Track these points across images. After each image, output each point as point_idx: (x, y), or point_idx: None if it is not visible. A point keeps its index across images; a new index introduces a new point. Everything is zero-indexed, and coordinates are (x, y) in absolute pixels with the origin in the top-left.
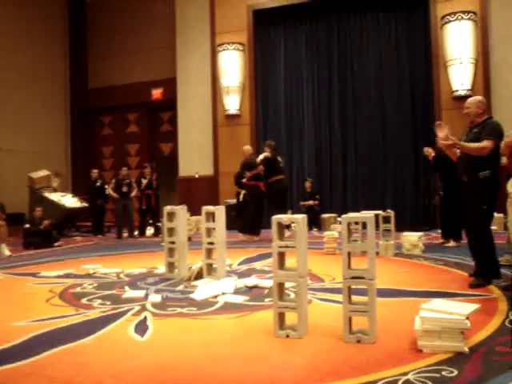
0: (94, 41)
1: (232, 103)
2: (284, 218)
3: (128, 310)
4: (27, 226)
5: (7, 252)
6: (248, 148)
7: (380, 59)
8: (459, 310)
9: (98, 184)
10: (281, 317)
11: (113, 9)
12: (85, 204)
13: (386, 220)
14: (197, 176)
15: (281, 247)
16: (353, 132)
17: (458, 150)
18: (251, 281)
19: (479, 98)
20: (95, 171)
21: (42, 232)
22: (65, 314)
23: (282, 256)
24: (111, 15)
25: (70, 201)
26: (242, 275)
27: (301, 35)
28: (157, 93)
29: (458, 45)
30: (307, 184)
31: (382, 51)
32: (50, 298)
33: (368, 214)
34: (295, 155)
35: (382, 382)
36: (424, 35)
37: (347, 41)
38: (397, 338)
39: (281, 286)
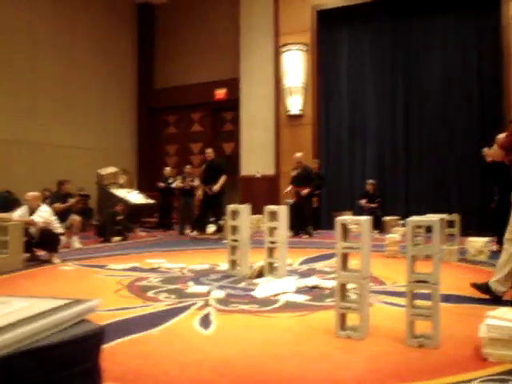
0: (161, 42)
1: (294, 103)
2: (348, 219)
3: (192, 305)
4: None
5: (77, 244)
6: (298, 156)
7: (446, 59)
8: None
9: (170, 181)
10: (342, 317)
11: (179, 11)
12: (150, 201)
13: (451, 224)
14: (258, 175)
15: (344, 248)
16: (417, 133)
17: None
18: (312, 281)
19: None
20: (168, 169)
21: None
22: (133, 306)
23: (345, 257)
24: (177, 17)
25: (135, 197)
26: (302, 275)
27: (365, 35)
28: (220, 93)
29: None
30: (369, 186)
31: (449, 51)
32: (118, 290)
33: (434, 218)
34: (357, 156)
35: None
36: (494, 35)
37: (412, 41)
38: (460, 344)
39: (343, 286)
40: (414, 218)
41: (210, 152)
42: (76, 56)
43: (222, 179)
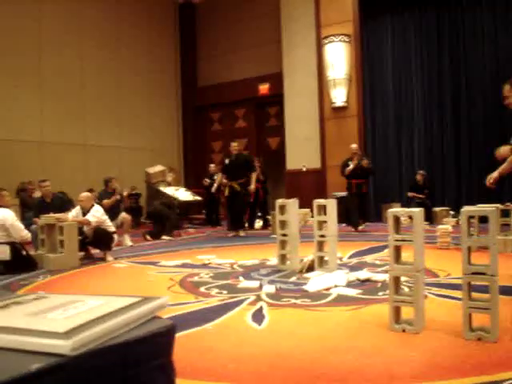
0: (203, 40)
1: (339, 95)
2: (400, 211)
3: (244, 300)
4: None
5: (129, 242)
6: (354, 147)
7: (495, 46)
8: None
9: (216, 178)
10: (396, 311)
11: (219, 8)
12: (197, 197)
13: (505, 214)
14: (304, 169)
15: (397, 240)
16: (466, 121)
17: None
18: (363, 274)
19: None
20: (213, 166)
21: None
22: (186, 301)
23: (398, 249)
24: (218, 15)
25: (183, 194)
26: (353, 268)
27: (409, 23)
28: (264, 88)
29: None
30: (418, 176)
31: (498, 38)
32: (171, 286)
33: (489, 208)
34: (404, 146)
35: (508, 383)
36: None
37: (459, 28)
38: None
39: (397, 279)
40: (469, 208)
41: (236, 145)
42: (121, 59)
43: (254, 176)
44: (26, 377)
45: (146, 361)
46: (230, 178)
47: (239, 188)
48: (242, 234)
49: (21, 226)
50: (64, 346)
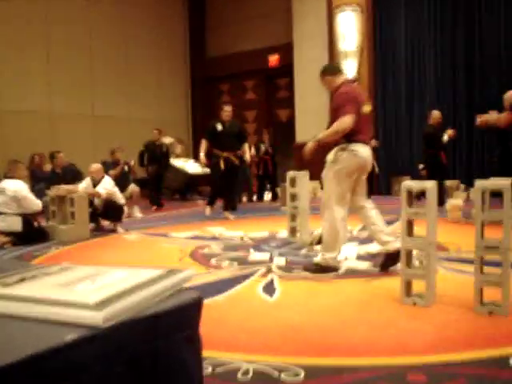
0: (212, 10)
1: (350, 67)
2: (413, 184)
3: (255, 272)
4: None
5: (138, 214)
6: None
7: (510, 20)
8: None
9: None
10: (408, 284)
11: None
12: (206, 170)
13: None
14: None
15: (410, 214)
16: (479, 95)
17: None
18: (374, 247)
19: None
20: None
21: None
22: (197, 273)
23: (410, 223)
24: None
25: (192, 166)
26: (363, 242)
27: None
28: (273, 59)
29: None
30: None
31: None
32: (182, 258)
33: (504, 182)
34: (416, 119)
35: None
36: None
37: (474, 0)
38: None
39: (409, 253)
40: (483, 182)
41: (229, 111)
42: (129, 29)
43: (247, 147)
44: (62, 348)
45: (174, 333)
46: (221, 147)
47: (237, 161)
48: (231, 217)
49: (33, 198)
50: (96, 318)
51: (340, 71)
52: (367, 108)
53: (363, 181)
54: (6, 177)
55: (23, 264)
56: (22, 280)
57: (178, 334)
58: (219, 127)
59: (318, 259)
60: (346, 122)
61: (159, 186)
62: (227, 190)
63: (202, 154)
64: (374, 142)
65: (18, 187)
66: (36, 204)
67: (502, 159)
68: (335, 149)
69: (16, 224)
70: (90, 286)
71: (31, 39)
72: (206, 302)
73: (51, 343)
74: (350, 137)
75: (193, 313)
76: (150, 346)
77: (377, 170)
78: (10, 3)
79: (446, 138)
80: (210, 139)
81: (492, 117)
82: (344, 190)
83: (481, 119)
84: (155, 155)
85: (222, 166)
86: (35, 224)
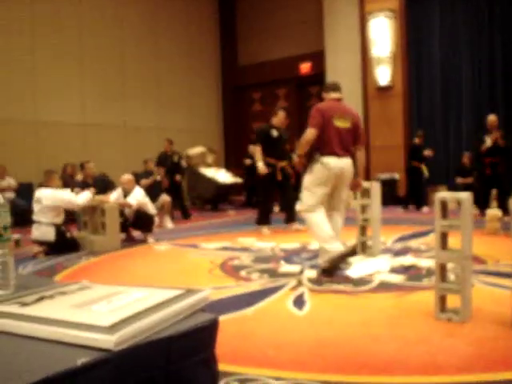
0: (243, 18)
1: (383, 74)
2: (447, 195)
3: (285, 284)
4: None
5: (170, 224)
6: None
7: None
8: None
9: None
10: (442, 299)
11: None
12: (237, 179)
13: None
14: None
15: (444, 227)
16: None
17: None
18: (408, 260)
19: None
20: (252, 146)
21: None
22: (226, 285)
23: (444, 236)
24: None
25: (223, 176)
26: (397, 254)
27: None
28: (305, 67)
29: None
30: (465, 159)
31: None
32: (212, 269)
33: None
34: (452, 128)
35: None
36: None
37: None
38: None
39: (443, 266)
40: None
41: (283, 116)
42: (160, 39)
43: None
44: (73, 372)
45: (189, 356)
46: (276, 156)
47: (292, 171)
48: (301, 227)
49: (68, 195)
50: (108, 341)
51: (331, 89)
52: (340, 123)
53: (340, 197)
54: (42, 186)
55: (42, 281)
56: (41, 299)
57: (193, 357)
58: (274, 133)
59: (320, 264)
60: (307, 134)
61: (179, 197)
62: (286, 201)
63: (260, 164)
64: (427, 152)
65: (53, 193)
66: (75, 200)
67: None
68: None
69: (49, 233)
70: (105, 308)
71: (66, 53)
72: (234, 315)
73: (63, 366)
74: (321, 149)
75: (208, 335)
76: (162, 370)
77: (426, 174)
78: (44, 14)
79: (488, 142)
80: (265, 146)
81: None
82: (317, 199)
83: None
84: (167, 166)
85: (280, 177)
86: (68, 234)
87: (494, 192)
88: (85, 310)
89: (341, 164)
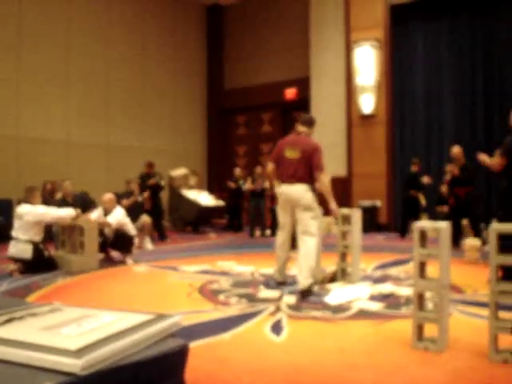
0: (230, 43)
1: (367, 102)
2: (427, 225)
3: (263, 310)
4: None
5: (149, 246)
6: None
7: None
8: None
9: (241, 182)
10: (420, 328)
11: (247, 11)
12: (220, 202)
13: None
14: (329, 177)
15: (422, 256)
16: (498, 134)
17: None
18: (387, 288)
19: None
20: (238, 169)
21: None
22: (204, 309)
23: (423, 265)
24: (246, 18)
25: (205, 199)
26: (376, 281)
27: (441, 31)
28: (290, 92)
29: None
30: (443, 188)
31: None
32: (191, 293)
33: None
34: (433, 157)
35: None
36: None
37: (494, 37)
38: None
39: (421, 295)
40: (499, 226)
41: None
42: (148, 61)
43: None
44: None
45: (157, 381)
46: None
47: None
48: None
49: (50, 209)
50: (75, 365)
51: (300, 122)
52: (289, 153)
53: (302, 220)
54: (23, 202)
55: (14, 302)
56: (10, 321)
57: (162, 382)
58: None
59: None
60: (267, 166)
61: (159, 218)
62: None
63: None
64: (426, 179)
65: (35, 209)
66: (53, 212)
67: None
68: None
69: (27, 251)
70: (74, 331)
71: (51, 70)
72: (211, 340)
73: None
74: (278, 179)
75: (178, 361)
76: None
77: (423, 203)
78: (30, 32)
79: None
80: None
81: (487, 159)
82: (280, 220)
83: (480, 158)
84: (145, 187)
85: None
86: (45, 253)
87: (465, 222)
88: (53, 332)
89: (288, 190)
